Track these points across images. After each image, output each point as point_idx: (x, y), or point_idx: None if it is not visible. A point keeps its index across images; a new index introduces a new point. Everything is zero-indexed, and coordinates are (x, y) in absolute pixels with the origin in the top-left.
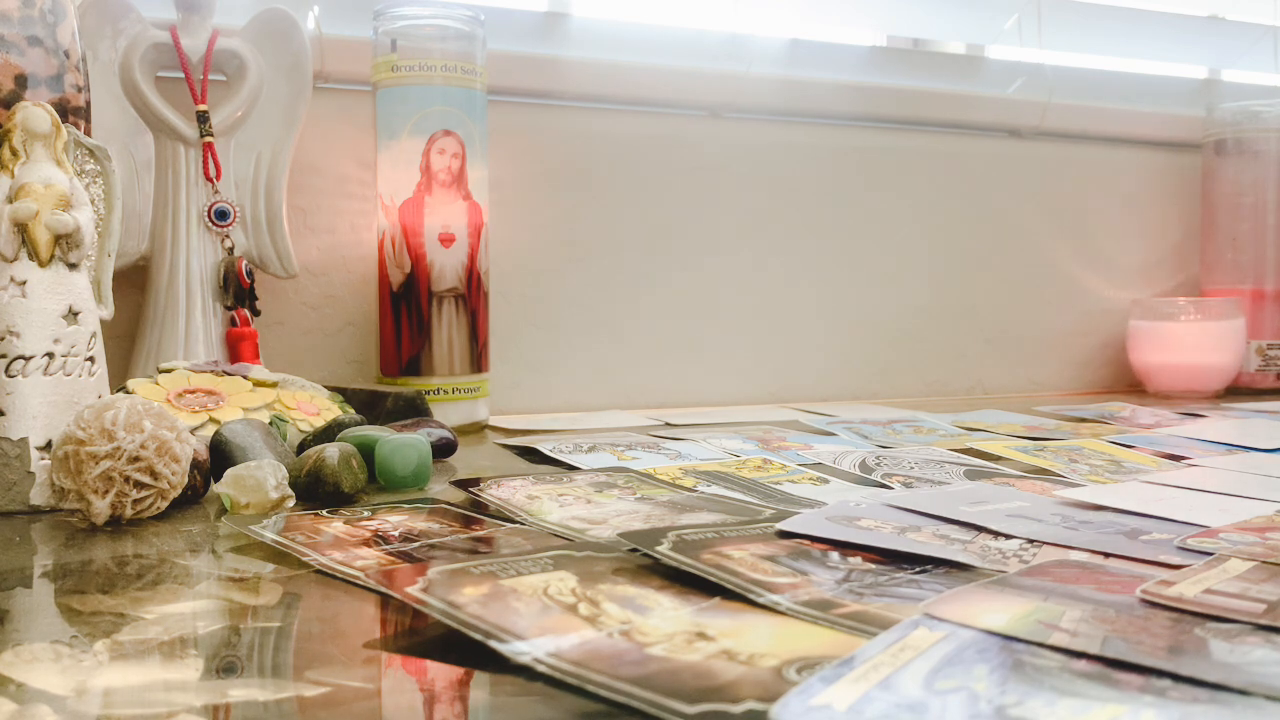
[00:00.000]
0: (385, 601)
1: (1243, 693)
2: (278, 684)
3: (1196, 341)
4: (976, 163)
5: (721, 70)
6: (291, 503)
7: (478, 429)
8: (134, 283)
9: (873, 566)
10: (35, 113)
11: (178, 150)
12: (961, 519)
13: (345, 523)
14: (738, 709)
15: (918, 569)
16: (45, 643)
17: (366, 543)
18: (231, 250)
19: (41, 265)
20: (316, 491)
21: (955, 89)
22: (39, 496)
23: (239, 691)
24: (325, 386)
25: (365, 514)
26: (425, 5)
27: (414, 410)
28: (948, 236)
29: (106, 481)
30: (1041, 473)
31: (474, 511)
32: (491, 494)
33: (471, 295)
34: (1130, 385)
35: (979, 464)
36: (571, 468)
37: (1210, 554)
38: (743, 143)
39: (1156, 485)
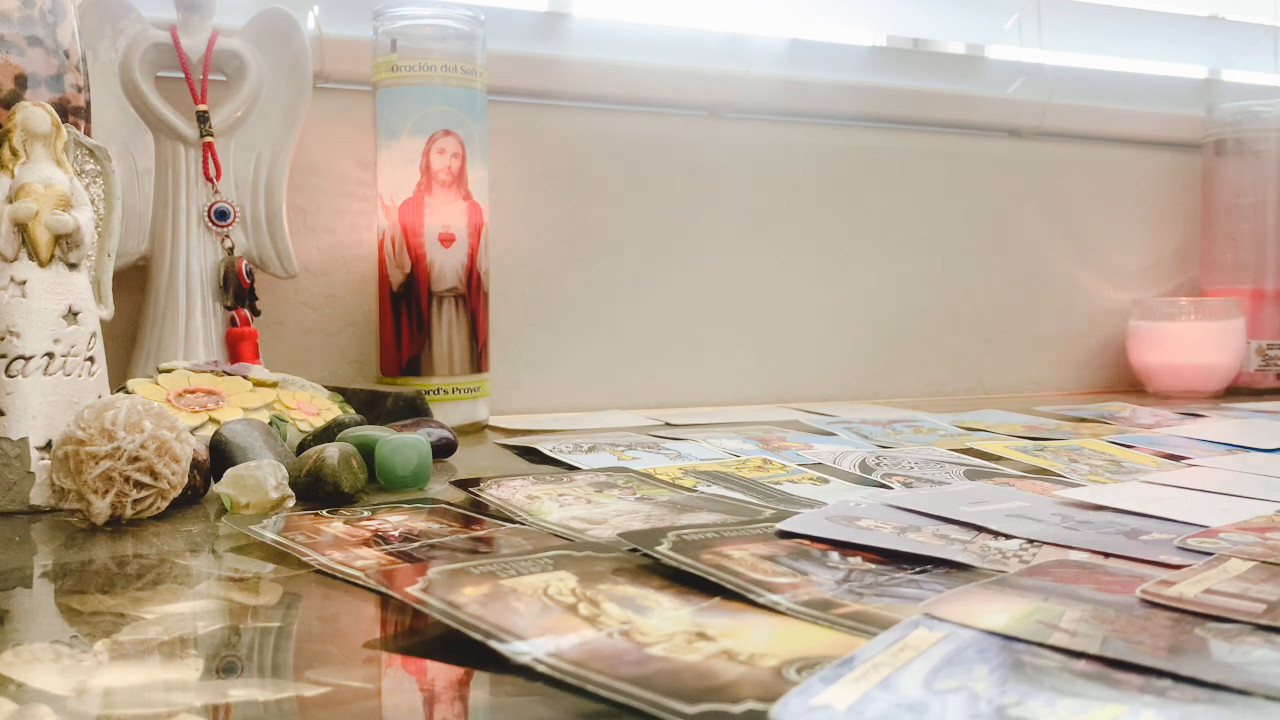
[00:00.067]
0: (385, 601)
1: (1243, 693)
2: (278, 684)
3: (1196, 341)
4: (976, 163)
5: (721, 70)
6: (291, 503)
7: (478, 429)
8: (134, 283)
9: (873, 566)
10: (35, 113)
11: (178, 150)
12: (961, 519)
13: (345, 523)
14: (738, 709)
15: (918, 569)
16: (45, 643)
17: (366, 543)
18: (231, 250)
19: (41, 265)
20: (316, 491)
21: (955, 89)
22: (39, 496)
23: (239, 691)
24: (325, 386)
25: (365, 514)
26: (425, 5)
27: (414, 410)
28: (948, 236)
29: (106, 481)
30: (1041, 473)
31: (474, 511)
32: (491, 494)
33: (471, 295)
34: (1130, 385)
35: (979, 464)
36: (571, 468)
37: (1210, 554)
38: (743, 143)
39: (1156, 485)
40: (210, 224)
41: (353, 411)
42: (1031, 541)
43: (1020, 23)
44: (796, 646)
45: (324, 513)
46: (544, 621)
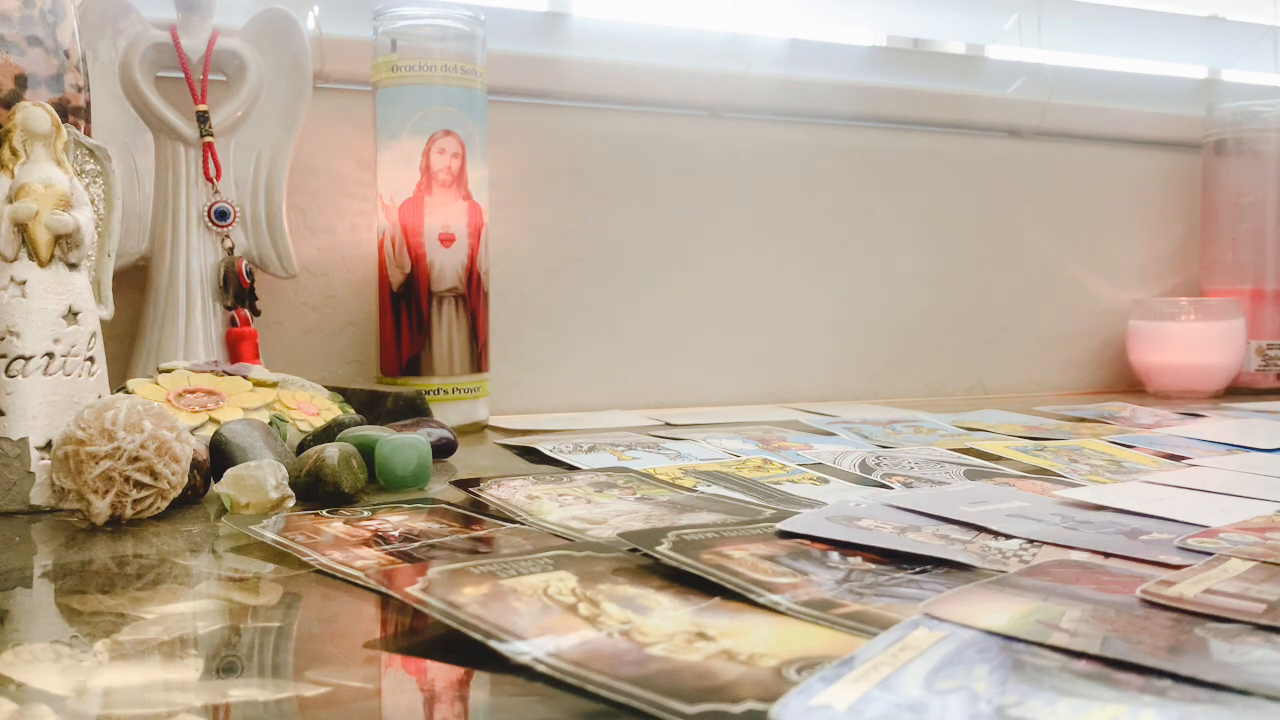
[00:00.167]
0: (385, 601)
1: (1243, 693)
2: (278, 684)
3: (1196, 341)
4: (976, 163)
5: (721, 70)
6: (291, 503)
7: (478, 429)
8: (134, 283)
9: (873, 566)
10: (35, 113)
11: (178, 150)
12: (961, 519)
13: (345, 523)
14: (738, 709)
15: (918, 569)
16: (45, 643)
17: (366, 543)
18: (231, 250)
19: (41, 265)
20: (316, 491)
21: (955, 89)
22: (39, 496)
23: (239, 691)
24: (325, 386)
25: (365, 514)
26: (425, 5)
27: (414, 410)
28: (948, 236)
29: (106, 481)
30: (1041, 473)
31: (474, 511)
32: (491, 494)
33: (471, 295)
34: (1130, 385)
35: (979, 464)
36: (571, 468)
37: (1210, 554)
38: (743, 143)
39: (1156, 485)
40: (210, 224)
41: (353, 411)
42: (1031, 541)
43: (1020, 23)
44: (796, 646)
45: (324, 513)
46: (544, 621)
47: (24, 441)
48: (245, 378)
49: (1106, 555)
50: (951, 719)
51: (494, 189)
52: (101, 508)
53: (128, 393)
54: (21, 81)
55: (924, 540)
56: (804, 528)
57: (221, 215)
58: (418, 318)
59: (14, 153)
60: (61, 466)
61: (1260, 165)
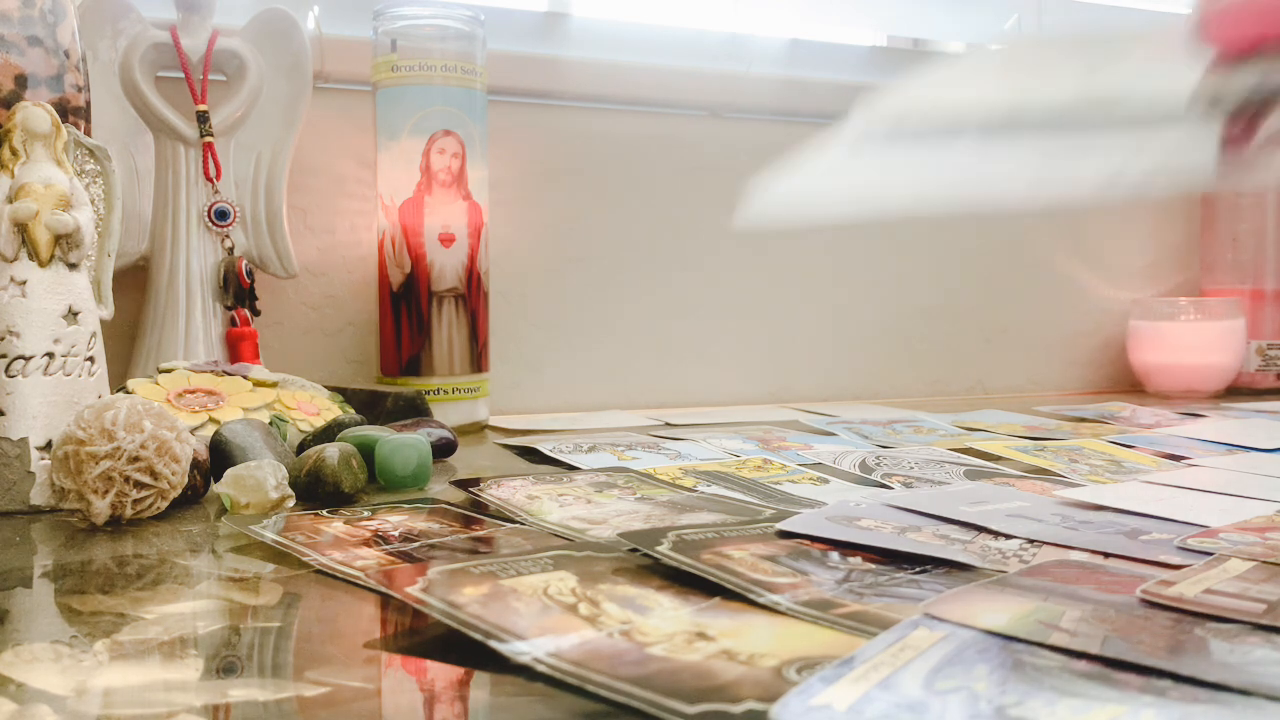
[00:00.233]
0: (385, 601)
1: (1243, 693)
2: (278, 684)
3: (1196, 341)
4: None
5: (721, 70)
6: (291, 503)
7: (478, 429)
8: (134, 283)
9: (873, 566)
10: (35, 113)
11: (178, 150)
12: (961, 519)
13: (345, 523)
14: (738, 709)
15: (918, 569)
16: (45, 643)
17: (366, 543)
18: (231, 250)
19: (41, 265)
20: (316, 491)
21: None
22: (39, 496)
23: (239, 691)
24: (325, 386)
25: (365, 514)
26: (425, 5)
27: (414, 410)
28: (948, 236)
29: (106, 481)
30: (1041, 473)
31: (474, 511)
32: (491, 494)
33: (471, 295)
34: (1130, 385)
35: (979, 464)
36: (571, 468)
37: (1210, 554)
38: (743, 143)
39: (1156, 485)
40: (210, 224)
41: (353, 411)
42: (1031, 541)
43: (1020, 23)
44: (796, 646)
45: (324, 513)
46: (544, 621)
47: (24, 441)
48: (245, 378)
49: (1106, 555)
50: (951, 719)
51: (494, 189)
52: (101, 508)
53: (128, 393)
54: (21, 81)
55: (924, 540)
56: (804, 528)
57: (221, 215)
58: (418, 318)
59: (14, 153)
60: (61, 466)
61: None
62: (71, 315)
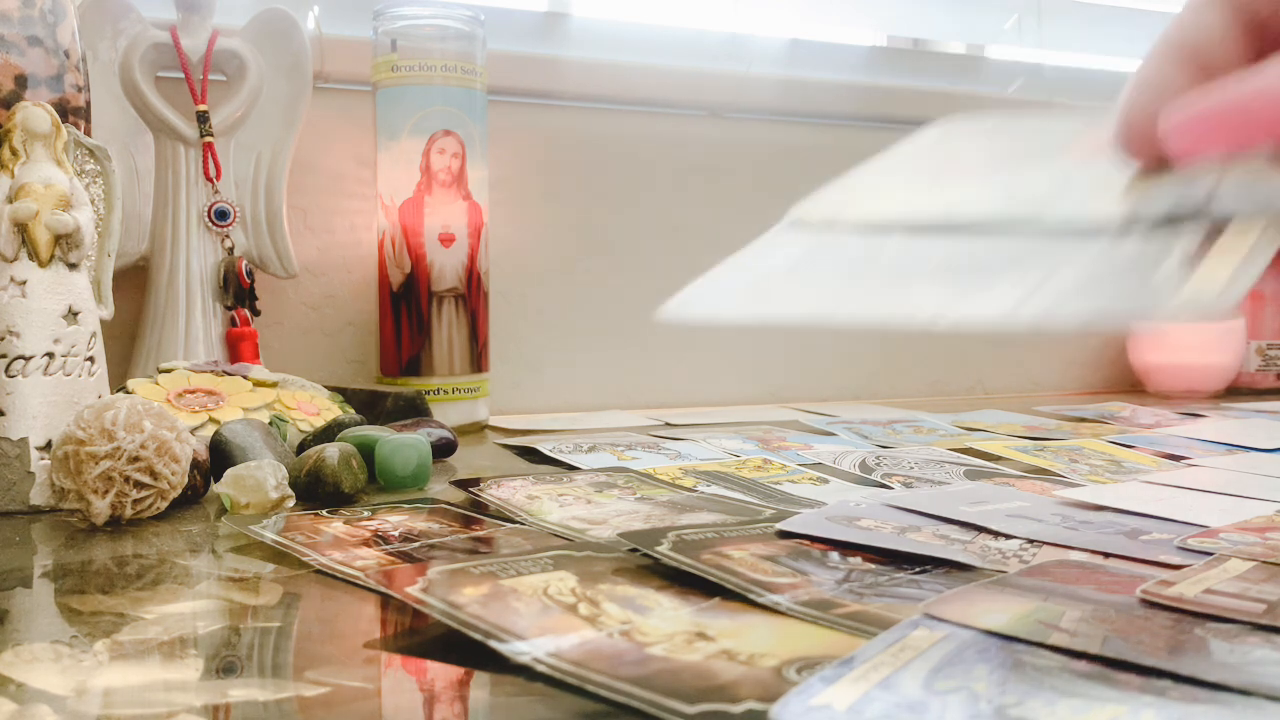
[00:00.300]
0: (385, 601)
1: (1243, 693)
2: (278, 684)
3: (1196, 341)
4: None
5: (721, 70)
6: (291, 503)
7: (478, 429)
8: (134, 283)
9: (873, 567)
10: (35, 113)
11: (178, 150)
12: (961, 519)
13: (345, 523)
14: (738, 709)
15: (918, 569)
16: (45, 643)
17: (366, 543)
18: (231, 250)
19: (41, 265)
20: (316, 491)
21: (955, 89)
22: (39, 496)
23: (239, 691)
24: (325, 386)
25: (365, 514)
26: (425, 5)
27: (414, 410)
28: None
29: (106, 481)
30: (1041, 473)
31: (474, 511)
32: (491, 494)
33: (471, 295)
34: (1130, 385)
35: (979, 464)
36: (571, 468)
37: (1210, 554)
38: (743, 143)
39: (1156, 485)
40: (210, 224)
41: (353, 411)
42: (1031, 541)
43: (1020, 23)
44: (796, 646)
45: (324, 513)
46: (544, 621)
47: (24, 441)
48: (245, 378)
49: (1106, 555)
50: (951, 719)
51: (494, 189)
52: (101, 508)
53: (128, 393)
54: (21, 81)
55: (924, 540)
56: (804, 528)
57: (221, 215)
58: (418, 318)
59: (14, 153)
60: (61, 466)
61: None
62: (71, 315)
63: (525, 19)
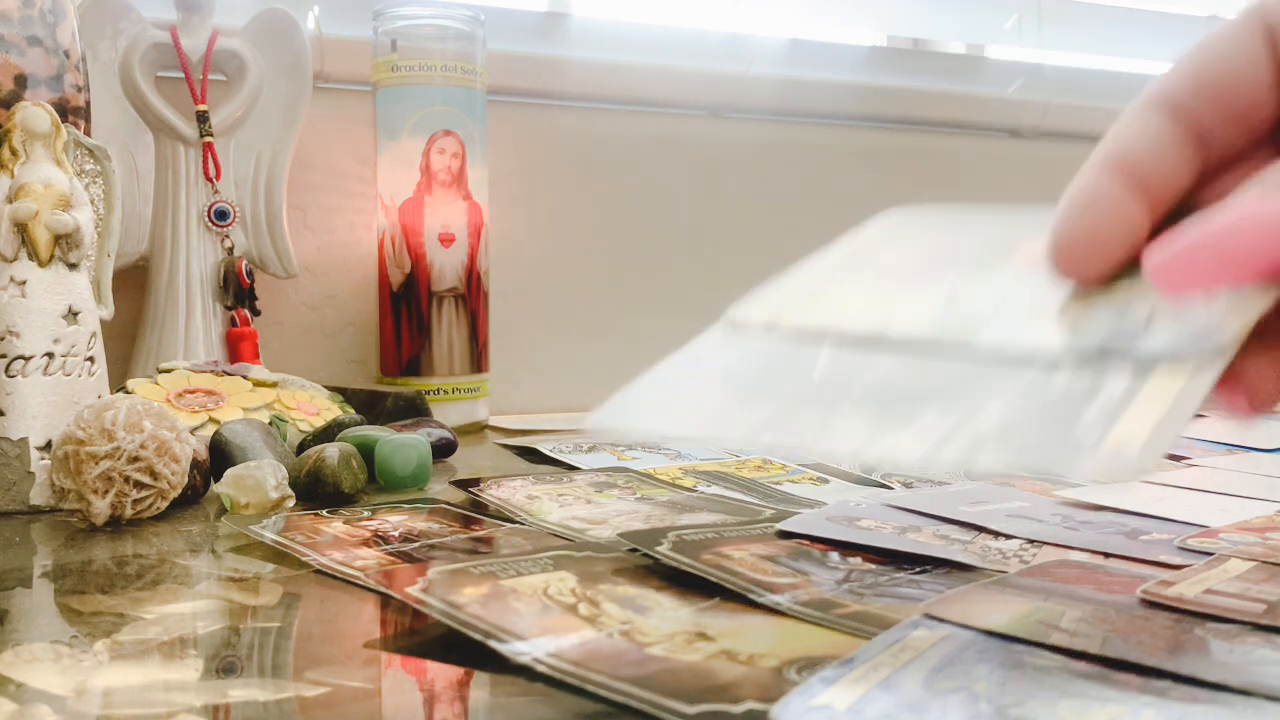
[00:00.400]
0: (385, 601)
1: (1243, 693)
2: (278, 684)
3: None
4: (976, 163)
5: (721, 70)
6: (291, 503)
7: (478, 429)
8: (134, 283)
9: (873, 567)
10: (35, 113)
11: (178, 150)
12: (962, 519)
13: (345, 523)
14: (738, 709)
15: (918, 569)
16: (45, 643)
17: (366, 543)
18: (231, 250)
19: (41, 265)
20: (316, 491)
21: (955, 89)
22: (39, 496)
23: (239, 691)
24: (325, 386)
25: (365, 514)
26: (425, 5)
27: (414, 410)
28: None
29: (106, 481)
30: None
31: (474, 511)
32: (491, 494)
33: (471, 295)
34: None
35: None
36: (571, 468)
37: (1210, 554)
38: (743, 143)
39: (1156, 485)
40: (210, 224)
41: (353, 411)
42: (1031, 541)
43: (1020, 23)
44: (796, 647)
45: (324, 513)
46: (544, 622)
47: (24, 441)
48: (245, 378)
49: (1106, 555)
50: (952, 719)
51: (494, 189)
52: (101, 508)
53: (128, 393)
54: (21, 81)
55: (924, 540)
56: (804, 528)
57: (221, 215)
58: (418, 318)
59: (14, 153)
60: (61, 466)
61: None
62: (71, 315)
63: (525, 19)
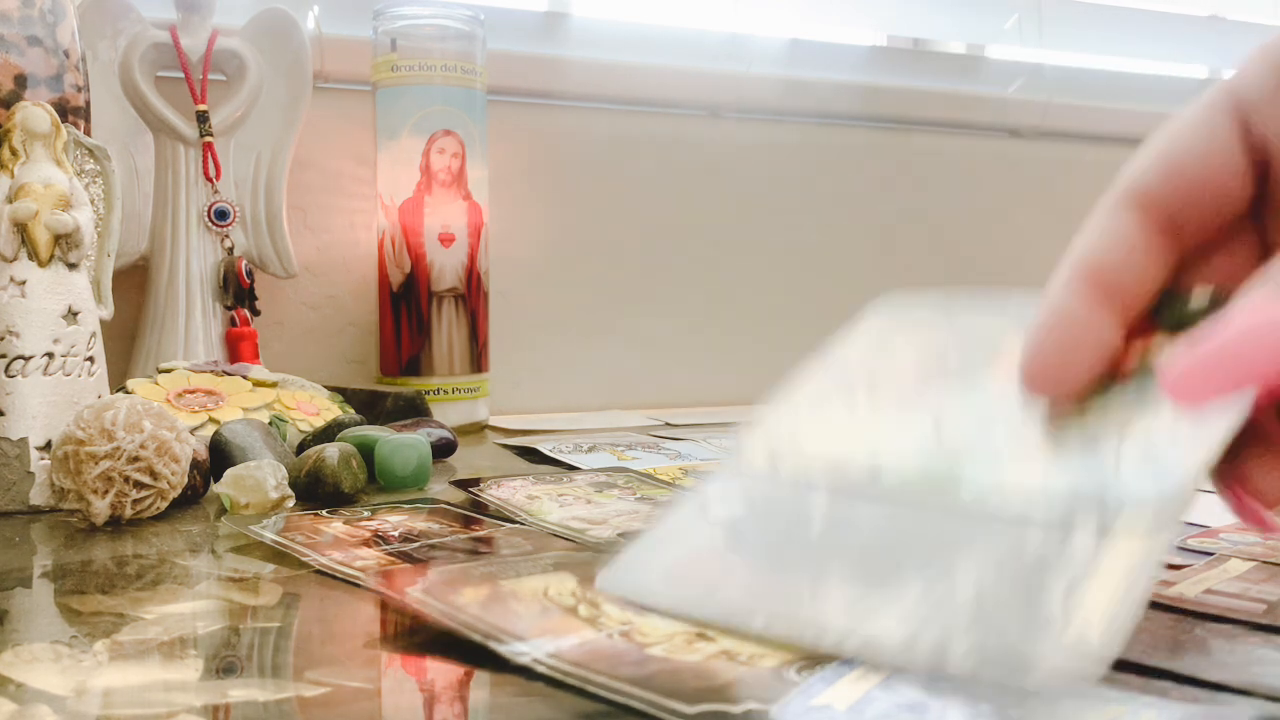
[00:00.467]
0: (385, 601)
1: (1243, 693)
2: (278, 684)
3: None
4: (976, 163)
5: (721, 70)
6: (291, 503)
7: (478, 429)
8: (134, 283)
9: None
10: (35, 113)
11: (177, 150)
12: None
13: (345, 522)
14: (737, 709)
15: None
16: (45, 643)
17: (366, 543)
18: (231, 250)
19: (41, 265)
20: (316, 492)
21: (955, 89)
22: (39, 496)
23: (239, 691)
24: (325, 386)
25: (365, 514)
26: (425, 5)
27: (414, 410)
28: (948, 236)
29: (106, 482)
30: None
31: (474, 511)
32: (491, 494)
33: (471, 295)
34: None
35: None
36: (571, 468)
37: (1210, 554)
38: (743, 143)
39: None
40: (210, 224)
41: (353, 411)
42: None
43: (1020, 23)
44: (797, 647)
45: (324, 513)
46: (544, 623)
47: (24, 441)
48: (245, 378)
49: None
50: (952, 719)
51: (494, 189)
52: (101, 508)
53: (128, 393)
54: (21, 81)
55: None
56: None
57: (221, 215)
58: (418, 318)
59: (14, 153)
60: (61, 466)
61: None
62: (71, 315)
63: (525, 19)
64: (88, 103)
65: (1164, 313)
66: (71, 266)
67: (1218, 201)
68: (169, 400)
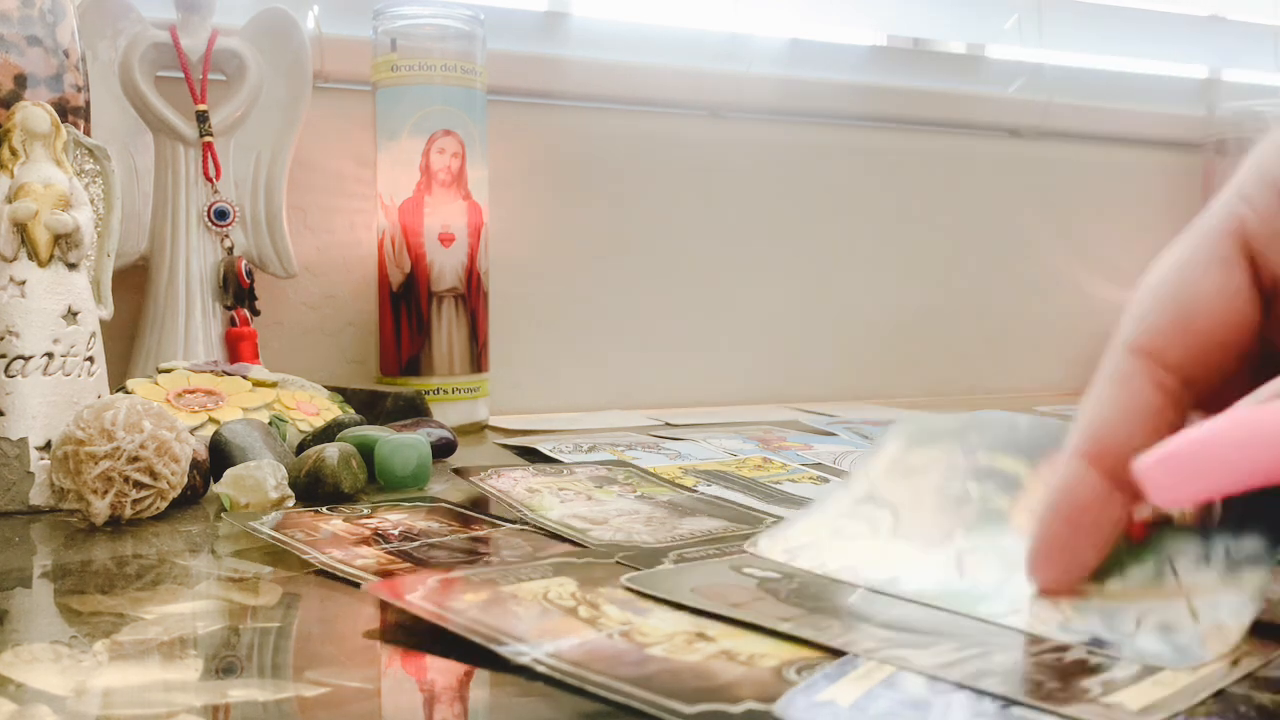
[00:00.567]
0: (385, 601)
1: None
2: (278, 684)
3: None
4: (976, 163)
5: (721, 70)
6: (291, 502)
7: (478, 429)
8: (134, 283)
9: None
10: (35, 113)
11: (177, 150)
12: None
13: (345, 520)
14: (737, 709)
15: None
16: (45, 643)
17: (366, 541)
18: (231, 250)
19: (41, 265)
20: (316, 491)
21: (955, 89)
22: (38, 496)
23: (239, 691)
24: (325, 386)
25: (364, 512)
26: (425, 5)
27: (414, 410)
28: (947, 236)
29: (106, 482)
30: None
31: (473, 511)
32: (491, 484)
33: (471, 295)
34: None
35: None
36: None
37: None
38: (743, 143)
39: None
40: (210, 224)
41: (352, 411)
42: None
43: (1020, 23)
44: (796, 647)
45: (323, 510)
46: (544, 624)
47: (23, 441)
48: (245, 378)
49: None
50: (955, 717)
51: (494, 189)
52: (101, 508)
53: (127, 393)
54: (21, 81)
55: None
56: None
57: (221, 215)
58: (418, 318)
59: (13, 153)
60: (61, 466)
61: None
62: (71, 315)
63: (525, 19)
64: (88, 103)
65: None
66: (71, 266)
67: (1233, 353)
68: (169, 400)
